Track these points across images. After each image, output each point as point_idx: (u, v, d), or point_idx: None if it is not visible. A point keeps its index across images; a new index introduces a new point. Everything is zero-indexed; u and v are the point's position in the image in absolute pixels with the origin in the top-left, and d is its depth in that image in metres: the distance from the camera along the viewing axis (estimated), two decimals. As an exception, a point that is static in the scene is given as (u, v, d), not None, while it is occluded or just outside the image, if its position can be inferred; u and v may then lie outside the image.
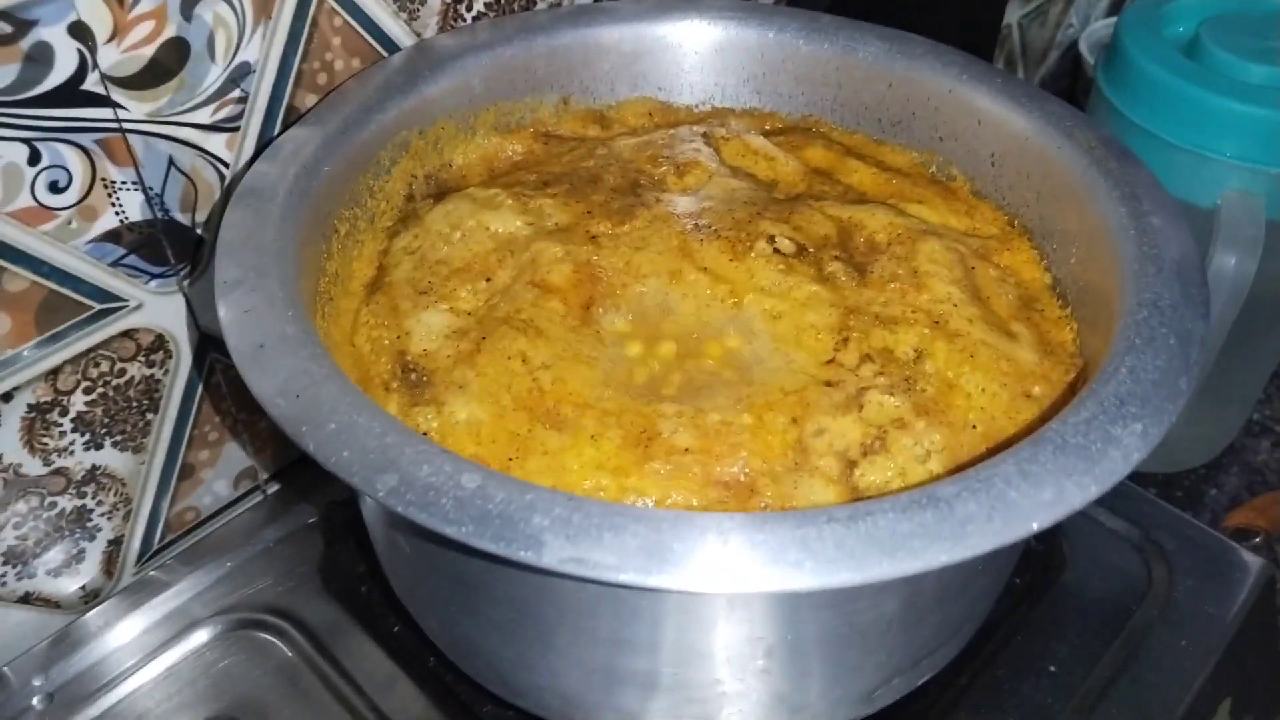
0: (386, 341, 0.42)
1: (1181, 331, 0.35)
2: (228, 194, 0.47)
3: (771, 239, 0.46)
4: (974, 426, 0.39)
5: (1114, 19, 0.89)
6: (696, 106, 0.55)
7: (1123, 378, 0.33)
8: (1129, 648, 0.49)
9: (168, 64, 0.42)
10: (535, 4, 0.54)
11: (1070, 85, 0.99)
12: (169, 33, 0.42)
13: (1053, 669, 0.48)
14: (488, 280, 0.44)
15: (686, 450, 0.37)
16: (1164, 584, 0.52)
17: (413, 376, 0.41)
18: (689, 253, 0.45)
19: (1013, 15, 0.87)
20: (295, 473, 0.57)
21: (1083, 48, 0.91)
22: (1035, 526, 0.30)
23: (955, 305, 0.43)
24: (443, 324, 0.42)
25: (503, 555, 0.28)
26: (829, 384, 0.40)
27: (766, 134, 0.53)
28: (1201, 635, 0.50)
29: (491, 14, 0.53)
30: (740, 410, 0.39)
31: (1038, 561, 0.52)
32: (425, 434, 0.38)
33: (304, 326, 0.36)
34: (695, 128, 0.53)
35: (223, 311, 0.36)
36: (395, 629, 0.49)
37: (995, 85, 0.47)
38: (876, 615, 0.36)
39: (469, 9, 0.52)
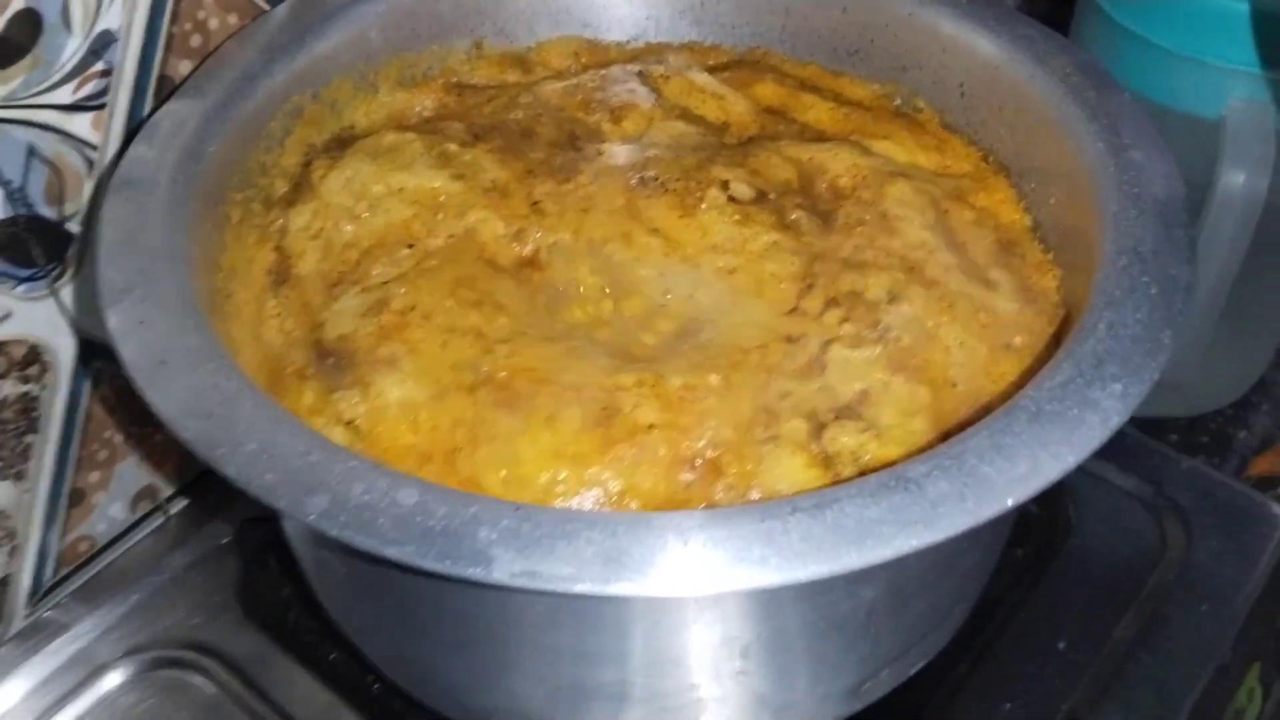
0: (299, 334, 0.45)
1: (1164, 279, 0.40)
2: (99, 182, 0.49)
3: (725, 185, 0.49)
4: (955, 385, 0.43)
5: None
6: (628, 43, 0.58)
7: (1101, 334, 0.38)
8: (1144, 618, 0.55)
9: (18, 40, 0.45)
10: (436, -65, 0.57)
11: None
12: (17, 4, 0.44)
13: (1061, 646, 0.53)
14: (410, 247, 0.47)
15: (651, 427, 0.41)
16: (1180, 545, 0.57)
17: (329, 361, 0.44)
18: (636, 213, 0.49)
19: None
20: (202, 488, 0.60)
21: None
22: (1010, 503, 0.34)
23: (930, 252, 0.47)
24: (358, 304, 0.45)
25: (449, 574, 0.32)
26: (790, 339, 0.44)
27: (710, 70, 0.56)
28: (1223, 598, 0.55)
29: (386, -50, 0.56)
30: (704, 372, 0.43)
31: (1041, 529, 0.57)
32: (350, 422, 0.41)
33: (207, 336, 0.39)
34: (629, 66, 0.56)
35: (113, 324, 0.39)
36: (331, 656, 0.53)
37: (959, 6, 0.51)
38: (854, 605, 0.40)
39: (360, -54, 0.55)
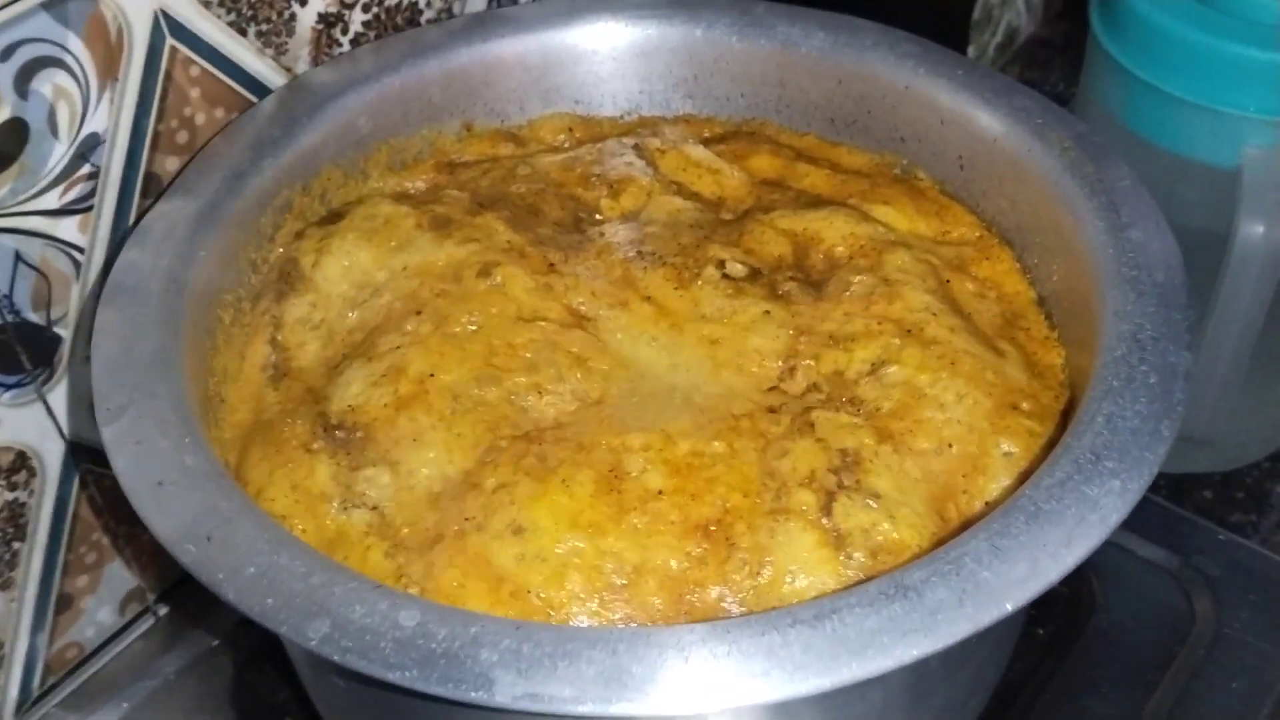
0: (301, 409, 0.49)
1: (1163, 367, 0.43)
2: (86, 284, 0.53)
3: (721, 264, 0.53)
4: (950, 446, 0.47)
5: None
6: (621, 117, 0.62)
7: (1099, 428, 0.41)
8: (1173, 697, 0.58)
9: (6, 150, 0.49)
10: (420, 15, 0.61)
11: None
12: (3, 115, 0.48)
13: (1087, 730, 0.57)
14: (417, 313, 0.51)
15: (660, 493, 0.45)
16: (1210, 618, 0.60)
17: (339, 434, 0.48)
18: (632, 281, 0.53)
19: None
20: (191, 589, 0.63)
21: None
22: (1009, 608, 0.37)
23: (934, 314, 0.50)
24: (365, 373, 0.49)
25: (452, 698, 0.36)
26: (771, 409, 0.48)
27: (706, 142, 0.60)
28: (1256, 674, 0.58)
29: (371, 34, 0.60)
30: (709, 439, 0.46)
31: (1063, 606, 0.61)
32: (375, 509, 0.45)
33: (205, 454, 0.43)
34: (624, 139, 0.60)
35: (110, 443, 0.43)
36: (331, 763, 0.56)
37: (956, 78, 0.55)
38: (865, 706, 0.43)
39: (344, 32, 0.59)
